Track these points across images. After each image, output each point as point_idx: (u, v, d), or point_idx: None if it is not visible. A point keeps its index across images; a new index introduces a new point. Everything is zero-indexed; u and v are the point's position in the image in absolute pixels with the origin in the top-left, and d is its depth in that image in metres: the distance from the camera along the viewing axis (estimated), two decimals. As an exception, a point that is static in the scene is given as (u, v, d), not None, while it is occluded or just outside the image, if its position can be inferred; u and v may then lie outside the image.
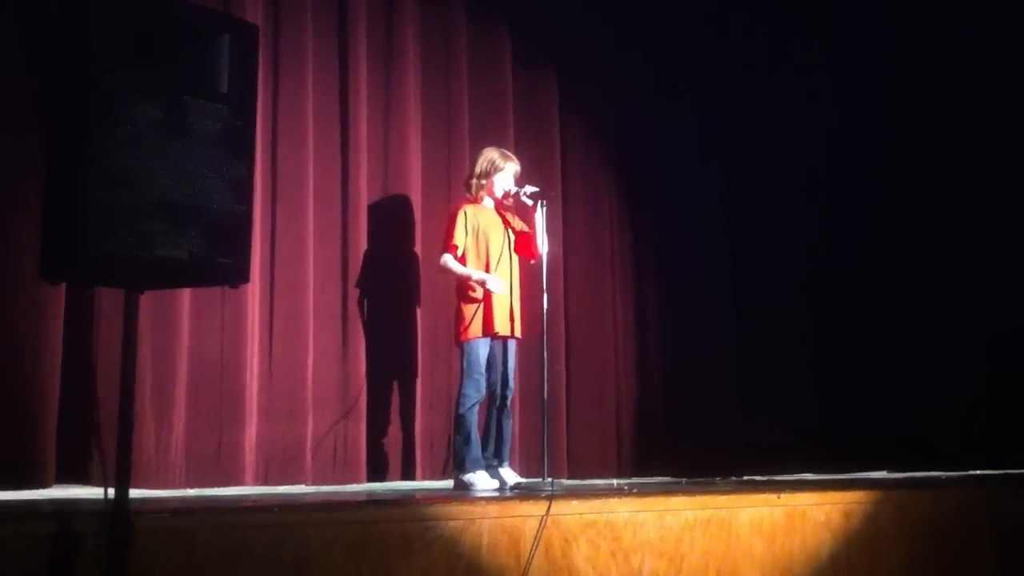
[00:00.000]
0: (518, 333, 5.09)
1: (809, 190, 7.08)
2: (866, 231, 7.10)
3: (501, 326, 5.00)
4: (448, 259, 5.06)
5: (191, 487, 4.97)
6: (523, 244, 5.17)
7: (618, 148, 6.81)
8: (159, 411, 4.95)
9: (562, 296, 6.37)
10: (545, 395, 4.84)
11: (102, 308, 4.71)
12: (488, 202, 5.21)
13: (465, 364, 5.01)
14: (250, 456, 5.22)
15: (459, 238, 5.07)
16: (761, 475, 6.16)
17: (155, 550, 2.86)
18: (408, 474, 5.71)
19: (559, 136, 6.61)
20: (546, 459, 4.75)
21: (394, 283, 5.82)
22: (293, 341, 5.44)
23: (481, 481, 4.87)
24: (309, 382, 5.45)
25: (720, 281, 6.86)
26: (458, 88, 6.21)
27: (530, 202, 5.05)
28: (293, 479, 5.32)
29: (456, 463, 5.00)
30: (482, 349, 5.01)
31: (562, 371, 6.34)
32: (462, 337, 5.02)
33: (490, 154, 5.22)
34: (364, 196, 5.76)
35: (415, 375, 5.80)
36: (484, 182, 5.18)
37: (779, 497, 4.30)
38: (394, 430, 5.72)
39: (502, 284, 5.03)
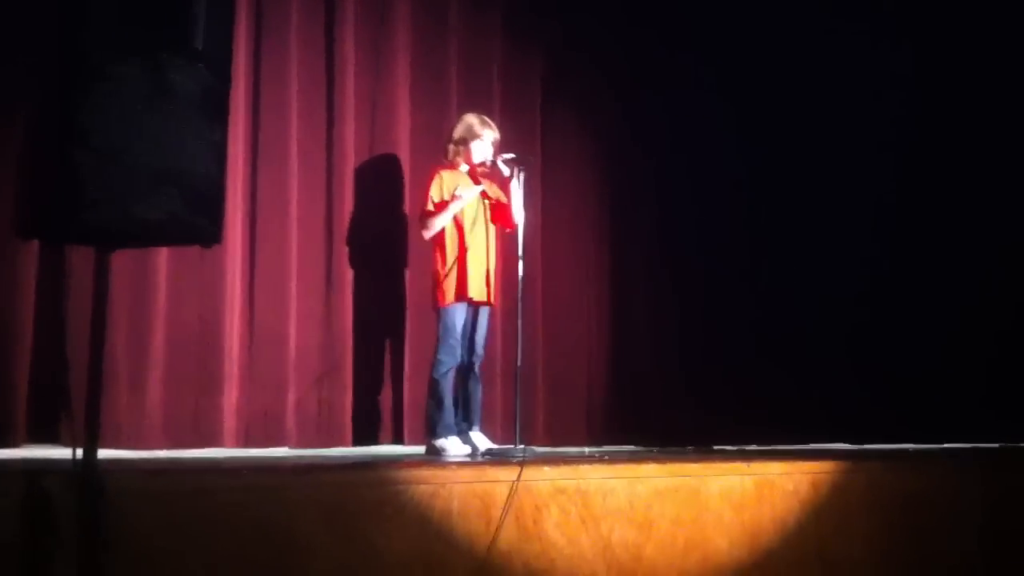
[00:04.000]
0: (493, 300, 5.11)
1: (791, 159, 7.07)
2: (834, 194, 7.13)
3: (476, 291, 5.02)
4: (424, 217, 5.06)
5: (168, 449, 4.96)
6: (499, 214, 5.17)
7: (600, 117, 6.77)
8: (135, 373, 4.94)
9: (539, 264, 6.36)
10: (519, 362, 4.87)
11: (75, 269, 4.66)
12: (465, 167, 5.21)
13: (441, 330, 5.02)
14: (230, 420, 5.21)
15: (433, 204, 5.06)
16: (732, 445, 6.20)
17: (128, 511, 2.85)
18: (396, 438, 5.71)
19: (540, 101, 6.55)
20: (518, 425, 4.77)
21: (381, 245, 5.79)
22: (275, 304, 5.41)
23: (453, 447, 4.89)
24: (292, 345, 5.43)
25: (694, 252, 6.87)
26: (446, 48, 6.15)
27: (507, 170, 5.06)
28: (275, 443, 5.31)
29: (428, 428, 5.03)
30: (458, 315, 5.02)
31: (539, 339, 6.34)
32: (439, 303, 5.03)
33: (469, 120, 5.21)
34: (350, 156, 5.71)
35: (402, 338, 5.78)
36: (462, 148, 5.18)
37: (749, 466, 4.33)
38: (381, 393, 5.71)
39: (474, 189, 5.04)
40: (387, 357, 5.77)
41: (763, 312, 6.88)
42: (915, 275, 7.18)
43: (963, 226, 7.22)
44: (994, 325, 7.09)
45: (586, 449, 5.91)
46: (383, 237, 5.81)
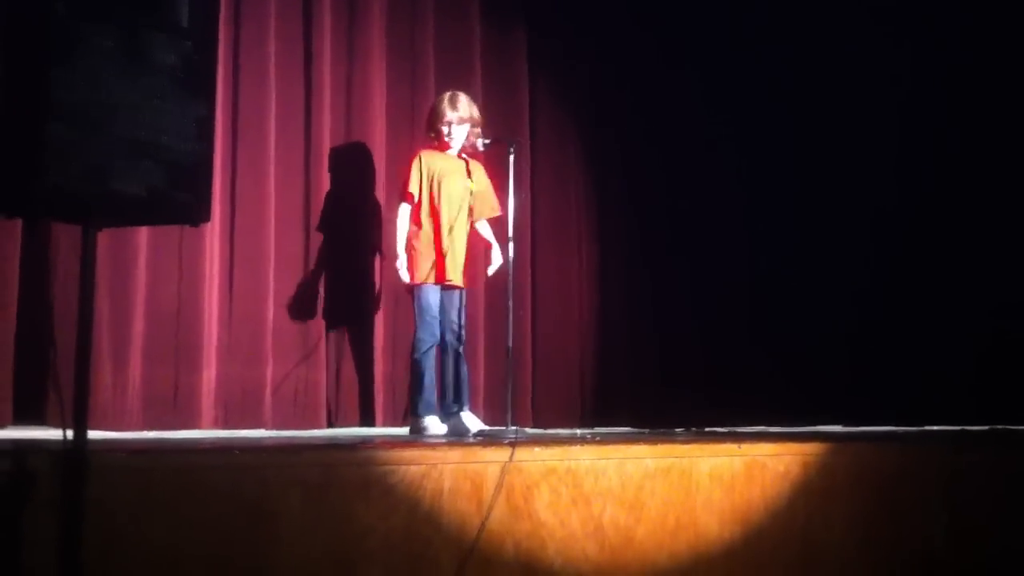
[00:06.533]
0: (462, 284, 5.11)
1: (783, 146, 7.05)
2: (833, 185, 7.11)
3: (453, 274, 5.01)
4: (402, 214, 5.04)
5: (148, 429, 4.93)
6: (480, 207, 5.19)
7: (587, 97, 6.75)
8: (115, 353, 4.91)
9: (528, 245, 6.34)
10: (510, 343, 4.84)
11: (59, 248, 4.64)
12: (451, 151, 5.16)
13: (417, 309, 5.01)
14: (208, 399, 5.20)
15: (414, 186, 5.02)
16: (723, 427, 6.20)
17: (112, 490, 2.82)
18: (368, 420, 5.71)
19: (528, 83, 6.53)
20: (510, 405, 4.75)
21: (356, 227, 5.77)
22: (253, 284, 5.40)
23: (432, 425, 4.89)
24: (269, 326, 5.42)
25: (683, 234, 6.85)
26: (424, 31, 6.12)
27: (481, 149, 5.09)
28: (252, 423, 5.30)
29: (411, 407, 5.02)
30: (432, 294, 5.00)
31: (528, 321, 6.32)
32: (411, 279, 5.02)
33: (443, 99, 5.13)
34: (327, 139, 5.69)
35: (376, 321, 5.77)
36: (440, 128, 5.10)
37: (740, 447, 4.31)
38: (354, 375, 5.71)
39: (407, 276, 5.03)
40: (361, 340, 5.76)
41: (757, 296, 6.89)
42: (910, 273, 7.19)
43: (963, 227, 7.22)
44: (990, 316, 7.10)
45: (577, 430, 5.89)
46: (359, 219, 5.79)
